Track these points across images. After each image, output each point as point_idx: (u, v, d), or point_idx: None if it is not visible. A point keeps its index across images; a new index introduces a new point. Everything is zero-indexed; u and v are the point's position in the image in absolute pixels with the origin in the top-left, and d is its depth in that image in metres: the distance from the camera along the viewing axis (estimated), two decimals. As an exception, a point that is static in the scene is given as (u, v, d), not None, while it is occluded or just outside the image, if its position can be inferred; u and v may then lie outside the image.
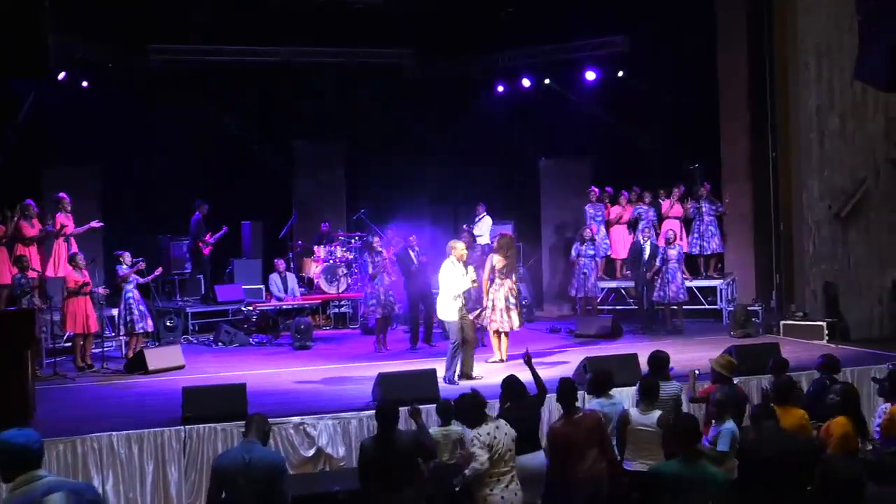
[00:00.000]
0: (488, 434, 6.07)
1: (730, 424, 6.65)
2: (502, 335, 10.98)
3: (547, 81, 16.91)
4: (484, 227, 15.75)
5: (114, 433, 7.99)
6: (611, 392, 7.28)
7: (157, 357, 11.36)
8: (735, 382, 7.89)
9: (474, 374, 10.09)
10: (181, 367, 11.43)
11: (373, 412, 8.33)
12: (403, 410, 6.80)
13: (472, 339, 10.20)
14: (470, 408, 6.36)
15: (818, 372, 7.98)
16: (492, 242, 15.56)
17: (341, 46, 16.59)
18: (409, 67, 17.26)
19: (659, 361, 7.48)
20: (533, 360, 7.64)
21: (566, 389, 6.68)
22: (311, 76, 16.50)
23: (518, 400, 6.90)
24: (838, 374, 7.99)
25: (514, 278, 11.03)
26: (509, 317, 10.82)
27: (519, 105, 17.22)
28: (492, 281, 10.84)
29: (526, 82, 17.14)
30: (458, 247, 10.12)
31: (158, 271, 12.69)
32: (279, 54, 16.50)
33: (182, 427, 8.09)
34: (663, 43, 15.30)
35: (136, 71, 15.71)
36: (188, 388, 8.40)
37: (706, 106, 15.15)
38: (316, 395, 9.64)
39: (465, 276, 9.96)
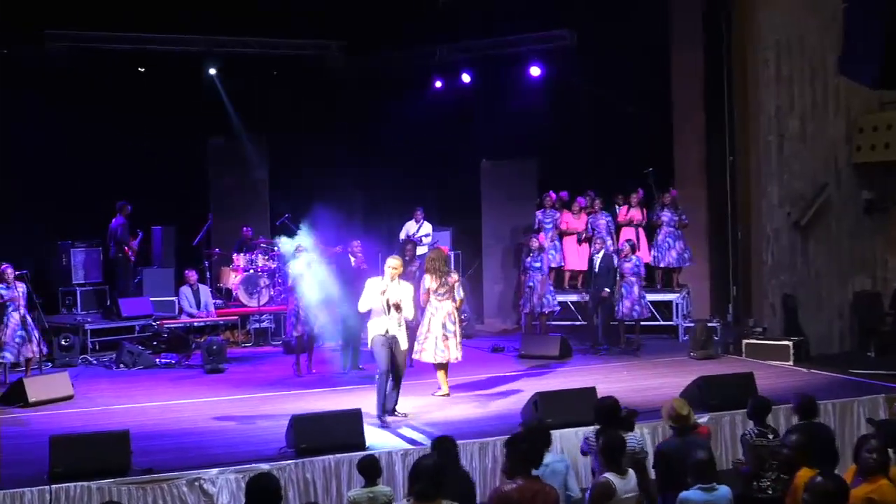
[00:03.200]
0: None
1: (693, 494, 5.41)
2: (439, 366, 9.69)
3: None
4: (427, 234, 14.76)
5: (-42, 497, 6.56)
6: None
7: (39, 386, 9.85)
8: (701, 423, 6.77)
9: (398, 411, 8.81)
10: (69, 398, 9.97)
11: (286, 462, 7.19)
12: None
13: (402, 366, 8.80)
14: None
15: (795, 415, 6.88)
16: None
17: (263, 36, 15.52)
18: (336, 60, 16.18)
19: (606, 412, 6.15)
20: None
21: (528, 446, 5.19)
22: (230, 68, 15.42)
23: (452, 464, 5.66)
24: (817, 418, 6.92)
25: (457, 298, 9.67)
26: (446, 346, 9.49)
27: (458, 102, 16.20)
28: (426, 306, 9.53)
29: (466, 78, 16.12)
30: (391, 263, 8.68)
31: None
32: (195, 43, 15.33)
33: (48, 487, 6.67)
34: (613, 37, 14.43)
35: (31, 59, 14.37)
36: (57, 438, 6.97)
37: (659, 106, 14.25)
38: (220, 437, 8.28)
39: (381, 294, 8.50)
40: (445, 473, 4.81)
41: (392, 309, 8.46)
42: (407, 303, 8.63)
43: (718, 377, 8.85)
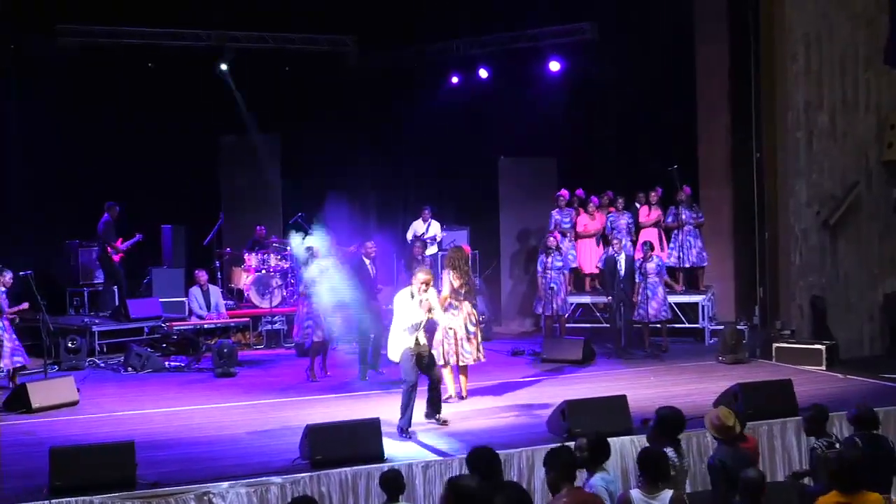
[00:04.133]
0: None
1: None
2: (460, 369, 9.33)
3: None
4: (435, 235, 14.27)
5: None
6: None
7: (43, 392, 9.46)
8: (745, 435, 6.36)
9: (441, 417, 8.43)
10: (74, 404, 9.59)
11: (300, 475, 6.80)
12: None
13: (437, 376, 8.45)
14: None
15: (852, 425, 6.45)
16: (441, 251, 14.05)
17: (275, 31, 15.26)
18: (350, 56, 15.89)
19: (671, 423, 5.76)
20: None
21: (567, 455, 5.02)
22: (242, 64, 15.11)
23: (491, 477, 5.06)
24: (877, 430, 6.47)
25: (471, 300, 9.38)
26: (468, 348, 9.16)
27: (475, 98, 15.78)
28: (449, 305, 9.15)
29: (483, 73, 15.71)
30: (421, 277, 8.21)
31: (24, 306, 10.59)
32: (207, 38, 15.12)
33: (47, 501, 6.30)
34: (635, 31, 14.08)
35: (42, 53, 14.14)
36: (57, 450, 6.59)
37: (683, 101, 13.86)
38: (230, 447, 7.87)
39: (419, 309, 8.13)
40: (491, 495, 4.48)
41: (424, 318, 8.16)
42: (437, 307, 8.40)
43: (757, 384, 8.36)
